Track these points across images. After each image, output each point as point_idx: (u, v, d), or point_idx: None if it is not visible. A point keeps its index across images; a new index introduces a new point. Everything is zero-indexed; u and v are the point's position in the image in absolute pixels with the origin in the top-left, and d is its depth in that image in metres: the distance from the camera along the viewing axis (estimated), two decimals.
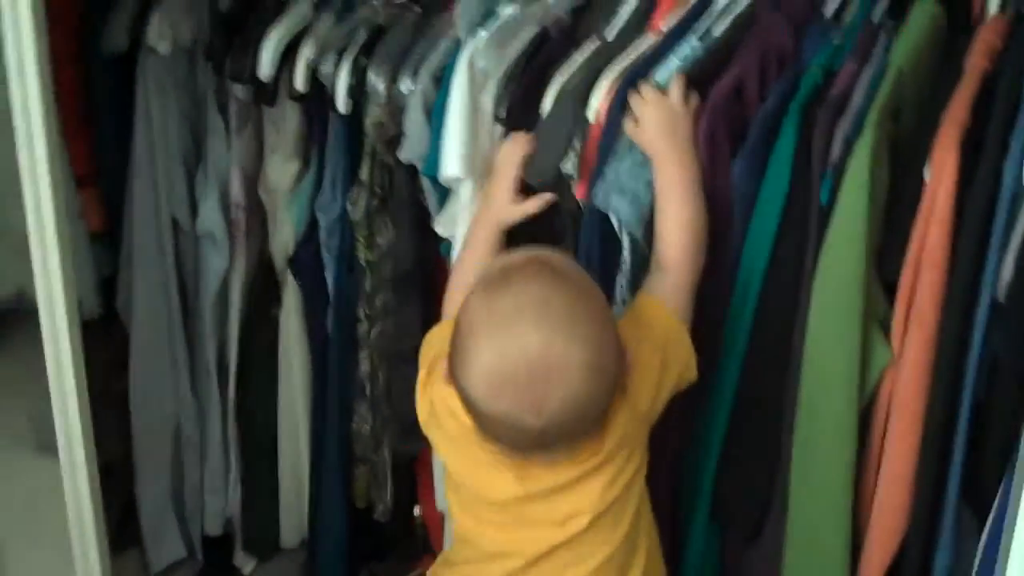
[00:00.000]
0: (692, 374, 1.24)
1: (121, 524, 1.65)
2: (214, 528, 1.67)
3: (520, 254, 1.17)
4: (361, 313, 1.47)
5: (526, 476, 1.16)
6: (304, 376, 1.58)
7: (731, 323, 1.28)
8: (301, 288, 1.53)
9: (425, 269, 1.44)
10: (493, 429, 1.14)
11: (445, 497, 1.32)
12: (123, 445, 1.63)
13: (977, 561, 1.24)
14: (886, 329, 1.22)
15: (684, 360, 1.23)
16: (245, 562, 1.72)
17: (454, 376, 1.14)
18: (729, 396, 1.29)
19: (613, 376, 1.14)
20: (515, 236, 1.30)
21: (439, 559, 1.32)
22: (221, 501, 1.66)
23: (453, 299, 1.28)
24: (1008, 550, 1.01)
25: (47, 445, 1.43)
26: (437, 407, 1.20)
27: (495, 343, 1.11)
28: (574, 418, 1.12)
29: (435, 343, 1.24)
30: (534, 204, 1.30)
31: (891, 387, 1.22)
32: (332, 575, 1.63)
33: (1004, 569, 1.02)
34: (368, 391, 1.53)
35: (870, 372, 1.23)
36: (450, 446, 1.22)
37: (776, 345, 1.26)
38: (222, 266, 1.55)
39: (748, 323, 1.27)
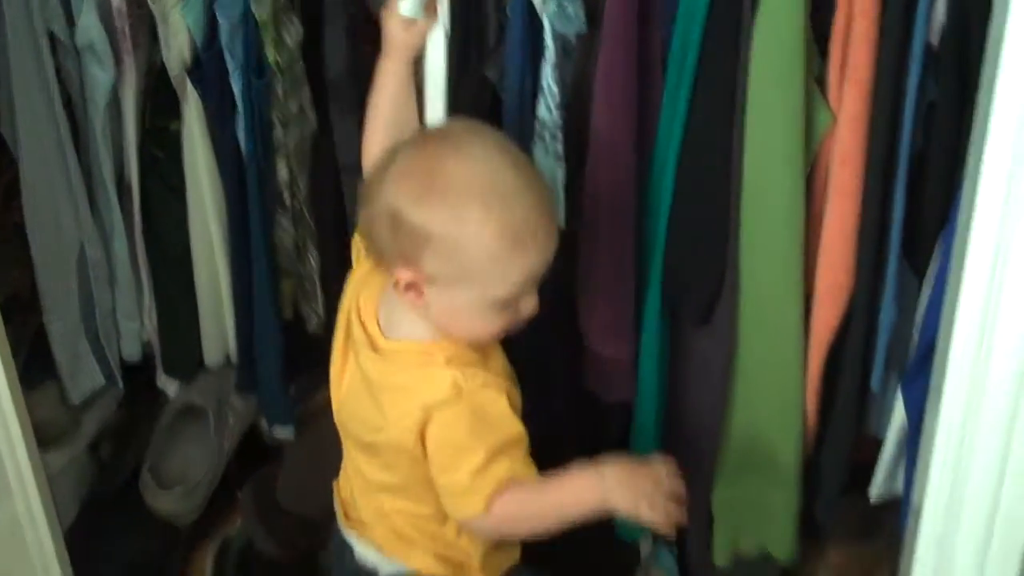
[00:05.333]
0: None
1: (33, 357, 1.59)
2: (132, 353, 1.62)
3: (405, 148, 1.15)
4: (275, 119, 1.39)
5: None
6: (213, 191, 1.50)
7: (669, 92, 1.26)
8: (203, 99, 1.43)
9: (360, 76, 1.35)
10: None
11: None
12: (27, 276, 1.55)
13: (919, 316, 1.29)
14: (821, 85, 1.22)
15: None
16: (168, 384, 1.67)
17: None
18: (672, 170, 1.28)
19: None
20: None
21: None
22: (136, 324, 1.60)
23: (371, 144, 1.26)
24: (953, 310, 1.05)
25: None
26: None
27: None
28: None
29: None
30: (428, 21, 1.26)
31: (830, 145, 1.22)
32: (267, 390, 1.61)
33: (949, 333, 1.07)
34: (288, 201, 1.47)
35: (814, 135, 1.23)
36: None
37: (717, 111, 1.24)
38: (108, 80, 1.43)
39: (687, 92, 1.24)
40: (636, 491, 1.16)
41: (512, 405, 1.18)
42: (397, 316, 1.20)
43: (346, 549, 1.36)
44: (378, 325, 1.21)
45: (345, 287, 1.28)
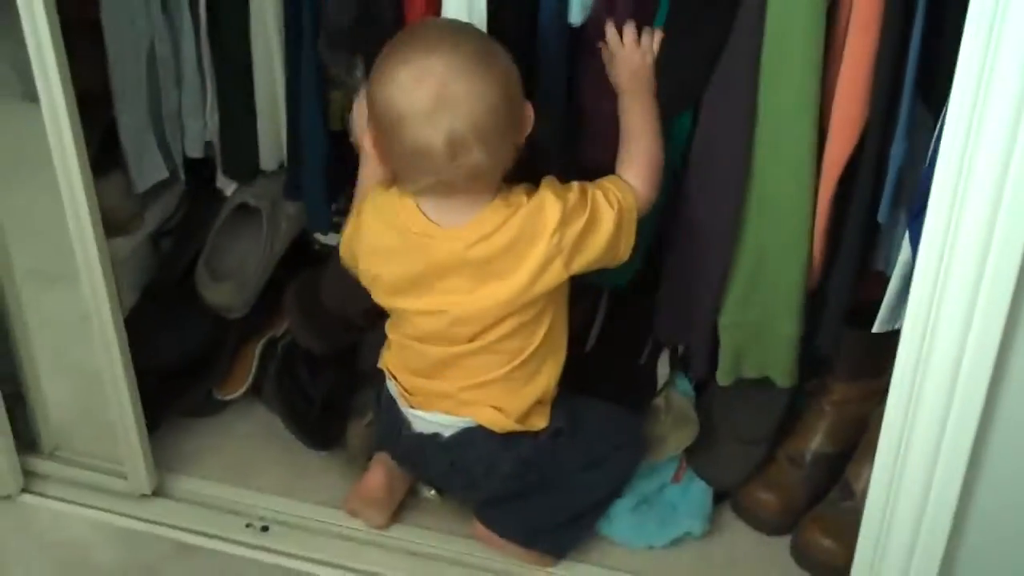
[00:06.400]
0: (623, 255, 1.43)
1: (104, 148, 1.68)
2: (195, 150, 1.70)
3: None
4: None
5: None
6: (276, 5, 1.56)
7: None
8: None
9: None
10: (422, 144, 1.33)
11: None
12: (101, 72, 1.63)
13: (929, 155, 1.33)
14: None
15: (617, 238, 1.41)
16: (226, 184, 1.76)
17: (375, 113, 1.36)
18: None
19: (513, 87, 1.34)
20: None
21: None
22: (200, 124, 1.68)
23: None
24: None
25: (32, 95, 1.45)
26: (365, 233, 1.46)
27: (402, 54, 1.32)
28: (489, 112, 1.31)
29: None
30: None
31: None
32: (312, 196, 1.68)
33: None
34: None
35: None
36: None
37: None
38: None
39: None
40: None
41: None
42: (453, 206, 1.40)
43: (401, 424, 1.55)
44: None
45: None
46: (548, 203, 1.38)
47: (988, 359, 1.12)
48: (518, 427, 1.50)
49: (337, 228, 1.76)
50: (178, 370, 1.80)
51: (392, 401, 1.56)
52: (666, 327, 1.61)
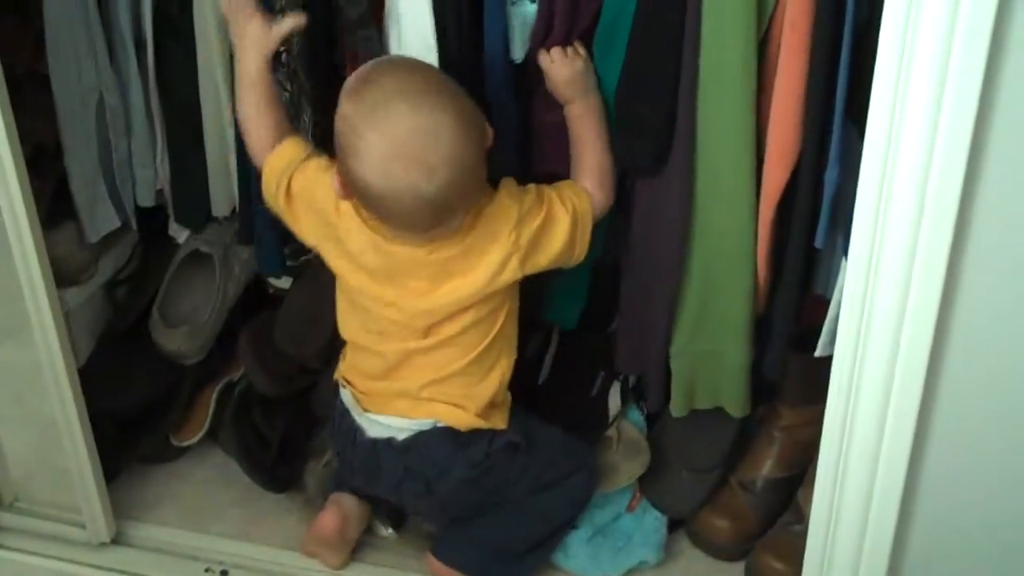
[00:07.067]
0: (578, 256, 1.48)
1: (57, 199, 1.70)
2: (146, 199, 1.72)
3: (368, 63, 1.38)
4: None
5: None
6: (220, 47, 1.58)
7: None
8: None
9: None
10: (396, 208, 1.35)
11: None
12: (53, 125, 1.66)
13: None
14: None
15: (572, 238, 1.45)
16: (179, 232, 1.79)
17: (350, 176, 1.35)
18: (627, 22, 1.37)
19: (478, 132, 1.36)
20: None
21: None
22: (150, 172, 1.70)
23: (253, 138, 1.49)
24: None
25: None
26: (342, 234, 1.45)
27: (376, 126, 1.32)
28: (460, 169, 1.33)
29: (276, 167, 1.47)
30: (289, 23, 1.43)
31: (782, 11, 1.29)
32: (265, 241, 1.67)
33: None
34: (284, 58, 1.55)
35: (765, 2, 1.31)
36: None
37: None
38: None
39: None
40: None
41: None
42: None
43: (356, 431, 1.56)
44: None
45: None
46: (505, 203, 1.42)
47: (918, 379, 1.14)
48: (480, 423, 1.51)
49: (291, 271, 1.78)
50: (135, 417, 1.80)
51: (346, 411, 1.57)
52: (624, 360, 1.63)
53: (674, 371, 1.55)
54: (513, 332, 1.53)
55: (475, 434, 1.52)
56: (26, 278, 1.53)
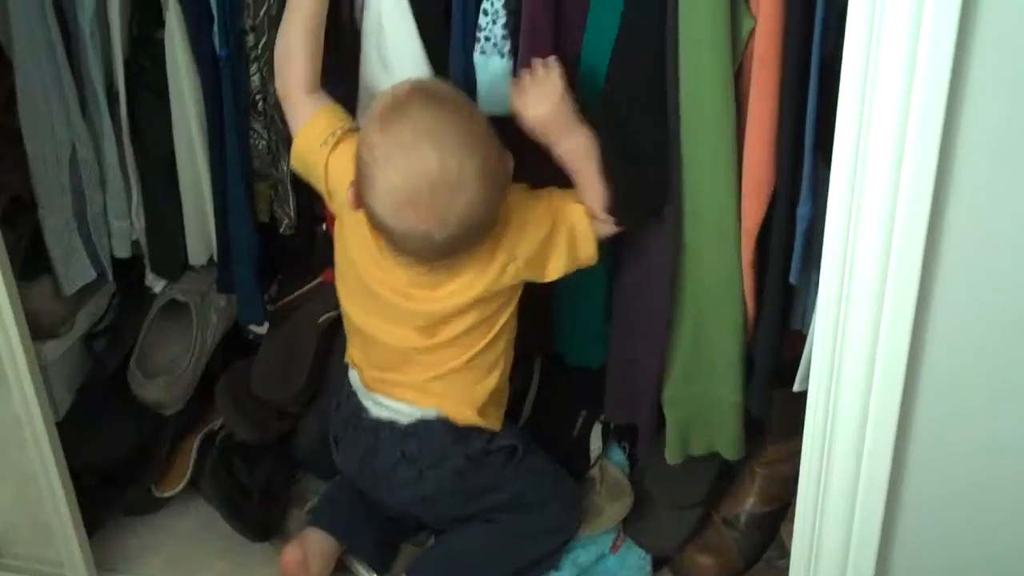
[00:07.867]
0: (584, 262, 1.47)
1: (33, 253, 1.70)
2: (122, 251, 1.72)
3: (404, 85, 1.37)
4: (247, 25, 1.49)
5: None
6: (194, 97, 1.59)
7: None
8: (183, 7, 1.53)
9: None
10: (402, 244, 1.37)
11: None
12: (27, 178, 1.65)
13: None
14: None
15: (581, 244, 1.45)
16: (155, 282, 1.79)
17: (363, 200, 1.36)
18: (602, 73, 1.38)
19: (501, 177, 1.37)
20: None
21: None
22: (126, 224, 1.70)
23: (290, 68, 1.45)
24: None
25: None
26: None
27: (399, 167, 1.32)
28: (475, 223, 1.35)
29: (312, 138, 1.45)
30: None
31: (752, 49, 1.30)
32: (244, 289, 1.69)
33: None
34: (260, 106, 1.57)
35: (739, 40, 1.31)
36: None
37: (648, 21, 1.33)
38: None
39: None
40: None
41: None
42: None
43: (361, 410, 1.57)
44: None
45: None
46: (511, 210, 1.43)
47: (892, 411, 1.15)
48: (478, 420, 1.53)
49: (272, 319, 1.78)
50: (116, 469, 1.80)
51: (352, 392, 1.58)
52: (614, 410, 1.62)
53: (668, 418, 1.54)
54: (514, 332, 1.54)
55: (475, 430, 1.55)
56: (2, 332, 1.53)
